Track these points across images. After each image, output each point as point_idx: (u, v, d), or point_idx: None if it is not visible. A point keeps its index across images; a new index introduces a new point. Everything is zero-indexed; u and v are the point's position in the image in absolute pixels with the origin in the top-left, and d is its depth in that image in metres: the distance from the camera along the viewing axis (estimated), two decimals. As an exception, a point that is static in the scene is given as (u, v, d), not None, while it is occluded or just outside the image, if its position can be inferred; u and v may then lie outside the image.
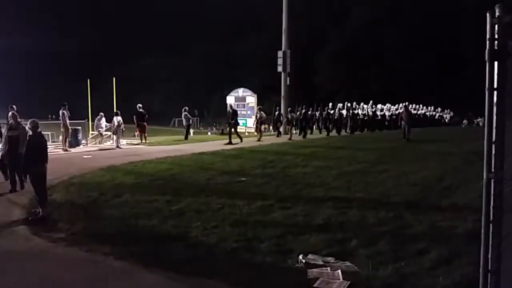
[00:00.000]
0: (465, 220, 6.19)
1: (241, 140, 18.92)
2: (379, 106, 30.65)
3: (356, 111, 27.55)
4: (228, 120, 20.04)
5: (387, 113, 30.74)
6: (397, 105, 31.09)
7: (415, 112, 34.16)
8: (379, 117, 29.73)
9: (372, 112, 29.00)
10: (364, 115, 28.03)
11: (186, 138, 22.10)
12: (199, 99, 51.99)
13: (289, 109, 24.39)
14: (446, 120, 41.58)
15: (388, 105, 31.63)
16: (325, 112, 26.46)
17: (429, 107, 38.57)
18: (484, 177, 2.84)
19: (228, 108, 21.04)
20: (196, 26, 64.84)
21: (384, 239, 5.68)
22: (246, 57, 58.47)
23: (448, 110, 43.01)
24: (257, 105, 27.64)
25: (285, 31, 28.36)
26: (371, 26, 49.33)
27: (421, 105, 36.71)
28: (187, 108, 22.65)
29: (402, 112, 21.40)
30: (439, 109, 41.09)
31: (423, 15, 47.50)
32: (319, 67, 53.27)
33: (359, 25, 50.55)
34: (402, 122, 19.08)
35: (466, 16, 40.05)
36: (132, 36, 68.94)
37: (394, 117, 28.72)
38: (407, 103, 27.55)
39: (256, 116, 23.80)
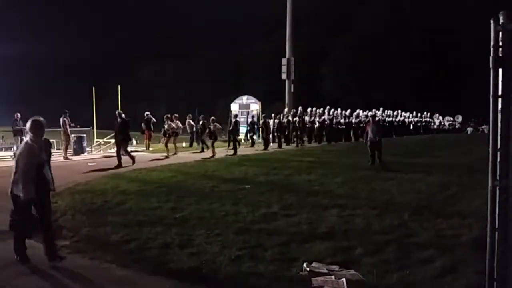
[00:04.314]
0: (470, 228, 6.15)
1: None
2: (347, 112, 26.93)
3: (311, 118, 23.90)
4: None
5: (354, 121, 26.81)
6: (367, 111, 27.04)
7: (390, 119, 30.91)
8: (344, 125, 25.88)
9: (330, 119, 24.73)
10: (321, 122, 24.24)
11: (190, 145, 22.12)
12: (203, 106, 52.13)
13: (211, 118, 18.54)
14: (434, 126, 40.09)
15: (359, 110, 28.02)
16: (261, 120, 21.72)
17: (408, 113, 35.13)
18: (490, 184, 2.83)
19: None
20: (201, 33, 65.22)
21: (389, 247, 5.65)
22: (250, 64, 58.66)
23: (437, 115, 41.39)
24: (262, 112, 27.39)
25: (289, 39, 28.48)
26: (374, 34, 49.47)
27: (399, 111, 33.37)
28: (191, 115, 22.74)
29: (367, 123, 15.82)
30: (428, 114, 38.86)
31: (427, 22, 47.61)
32: (323, 74, 53.38)
33: (363, 33, 50.76)
34: (368, 139, 13.73)
35: (469, 23, 40.03)
36: (135, 43, 69.44)
37: (363, 125, 23.73)
38: (375, 111, 23.94)
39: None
